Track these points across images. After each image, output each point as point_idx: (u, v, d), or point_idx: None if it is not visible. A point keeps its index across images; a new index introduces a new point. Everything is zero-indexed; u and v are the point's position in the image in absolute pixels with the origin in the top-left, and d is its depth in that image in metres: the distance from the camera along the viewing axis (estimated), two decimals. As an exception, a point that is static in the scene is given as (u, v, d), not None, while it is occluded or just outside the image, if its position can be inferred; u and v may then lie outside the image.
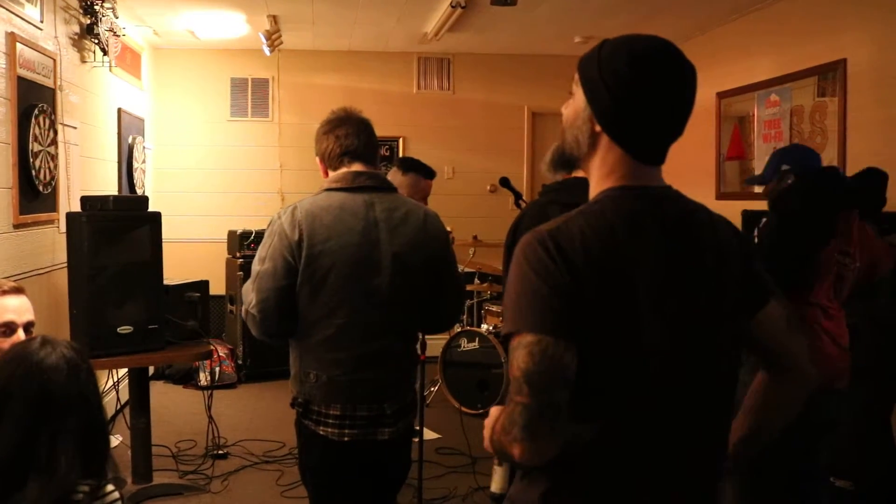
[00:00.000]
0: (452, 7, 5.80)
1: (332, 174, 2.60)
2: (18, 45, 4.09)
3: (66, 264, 4.16)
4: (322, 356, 2.47)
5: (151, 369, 5.73)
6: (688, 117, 1.48)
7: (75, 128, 5.11)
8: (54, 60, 4.66)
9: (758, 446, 1.66)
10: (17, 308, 2.49)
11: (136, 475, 4.38)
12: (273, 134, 7.89)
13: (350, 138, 2.57)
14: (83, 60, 5.33)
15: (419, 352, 3.44)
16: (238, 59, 7.76)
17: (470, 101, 8.12)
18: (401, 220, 2.54)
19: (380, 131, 2.73)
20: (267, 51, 6.81)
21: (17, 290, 2.53)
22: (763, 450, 2.61)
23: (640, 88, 1.42)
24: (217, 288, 6.67)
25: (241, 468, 4.86)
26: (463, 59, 8.09)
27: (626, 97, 1.42)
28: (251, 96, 7.86)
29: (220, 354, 6.76)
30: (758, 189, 3.35)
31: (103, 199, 4.20)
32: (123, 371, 5.14)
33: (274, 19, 6.45)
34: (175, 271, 5.12)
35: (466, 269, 6.35)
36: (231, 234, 7.27)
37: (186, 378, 6.86)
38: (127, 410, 4.60)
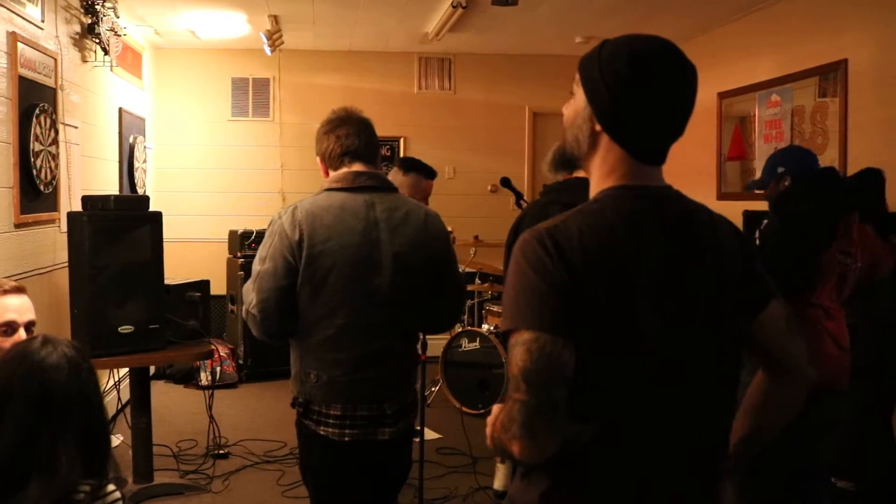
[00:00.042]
0: (453, 7, 5.80)
1: (332, 174, 2.60)
2: (19, 45, 4.09)
3: (67, 264, 4.16)
4: (322, 356, 2.47)
5: (152, 369, 5.73)
6: (688, 117, 1.48)
7: (76, 127, 5.11)
8: (55, 60, 4.66)
9: (758, 446, 1.66)
10: (18, 307, 2.50)
11: (137, 475, 4.38)
12: (274, 134, 7.89)
13: (351, 138, 2.57)
14: (84, 60, 5.33)
15: (420, 352, 3.44)
16: (239, 59, 7.76)
17: (471, 101, 8.12)
18: (401, 220, 2.53)
19: (381, 131, 2.73)
20: (268, 51, 6.81)
21: (19, 290, 2.54)
22: (764, 450, 2.61)
23: (641, 88, 1.42)
24: (218, 288, 6.68)
25: (241, 468, 4.86)
26: (464, 60, 8.09)
27: (626, 97, 1.43)
28: (252, 96, 7.86)
29: (221, 354, 6.77)
30: (759, 191, 3.35)
31: (104, 199, 4.20)
32: (124, 371, 5.14)
33: (275, 19, 6.45)
34: (176, 271, 5.13)
35: (467, 269, 6.35)
36: (232, 233, 7.27)
37: (187, 378, 6.86)
38: (128, 410, 4.60)
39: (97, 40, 5.30)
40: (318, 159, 2.66)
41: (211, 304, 5.53)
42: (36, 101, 4.31)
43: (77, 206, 4.46)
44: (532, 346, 1.33)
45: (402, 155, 7.83)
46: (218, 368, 6.69)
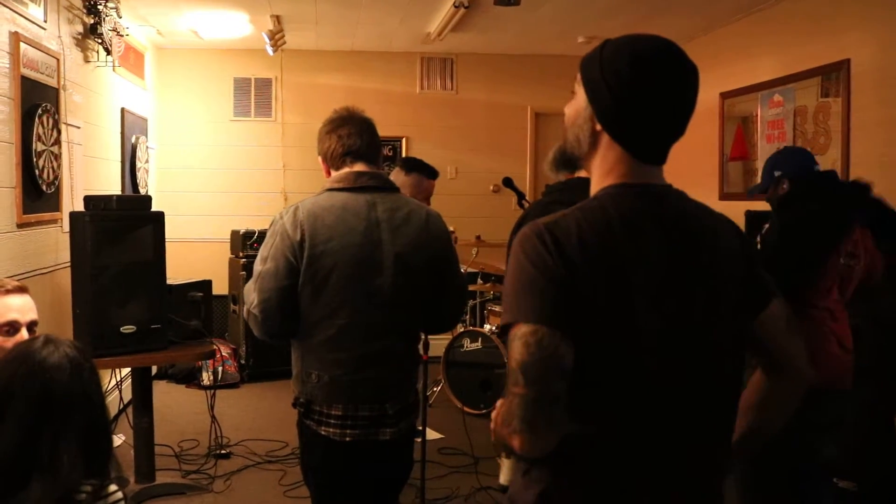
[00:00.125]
0: (456, 7, 5.80)
1: (334, 174, 2.60)
2: (22, 45, 4.09)
3: (69, 264, 4.16)
4: (324, 356, 2.47)
5: (154, 369, 5.74)
6: (689, 117, 1.48)
7: (79, 127, 5.12)
8: (58, 60, 4.67)
9: (756, 444, 1.66)
10: (20, 307, 2.50)
11: (139, 475, 4.38)
12: (276, 134, 7.89)
13: (352, 138, 2.57)
14: (87, 60, 5.34)
15: (422, 352, 3.44)
16: (241, 59, 7.77)
17: (473, 101, 8.12)
18: (403, 221, 2.53)
19: (383, 131, 2.73)
20: (270, 51, 6.82)
21: (21, 290, 2.54)
22: (767, 449, 2.62)
23: (642, 88, 1.42)
24: (220, 288, 6.68)
25: (243, 468, 4.87)
26: (466, 59, 8.08)
27: (627, 97, 1.43)
28: (254, 96, 7.86)
29: (223, 354, 6.77)
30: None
31: (106, 199, 4.21)
32: (126, 370, 5.14)
33: (277, 19, 6.46)
34: (178, 271, 5.13)
35: (469, 270, 6.35)
36: (234, 233, 7.28)
37: (189, 378, 6.87)
38: (130, 410, 4.60)
39: (99, 40, 5.31)
40: (319, 159, 2.66)
41: (213, 304, 5.53)
42: (38, 101, 4.32)
43: (79, 206, 4.46)
44: (530, 340, 1.32)
45: (404, 155, 7.83)
46: (220, 368, 6.69)
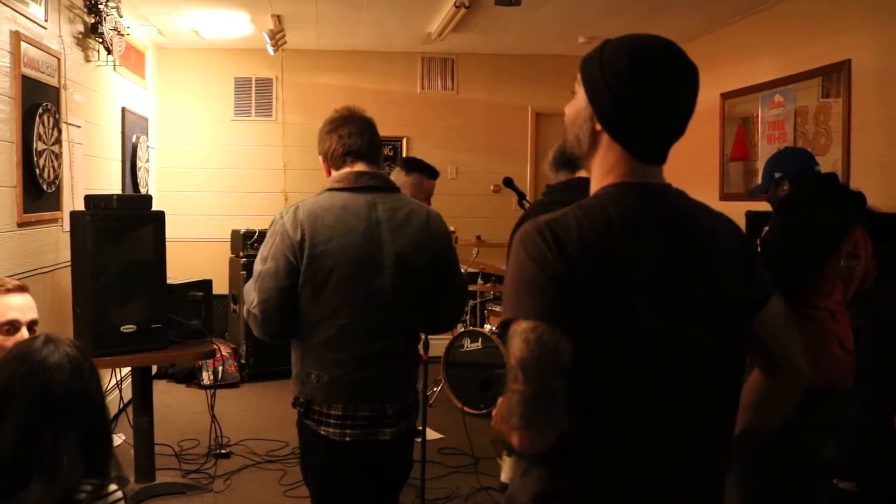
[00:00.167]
0: (456, 7, 5.80)
1: (334, 174, 2.60)
2: (23, 44, 4.09)
3: (69, 263, 4.16)
4: (323, 356, 2.47)
5: (154, 368, 5.74)
6: (689, 117, 1.48)
7: (79, 127, 5.12)
8: (58, 59, 4.67)
9: (754, 443, 1.66)
10: (20, 306, 2.50)
11: (139, 474, 4.38)
12: (276, 133, 7.89)
13: (353, 138, 2.57)
14: (87, 59, 5.34)
15: (422, 352, 3.43)
16: (242, 59, 7.77)
17: (474, 101, 8.12)
18: (403, 221, 2.53)
19: (383, 131, 2.73)
20: (271, 50, 6.82)
21: (21, 289, 2.54)
22: (767, 450, 2.62)
23: (641, 89, 1.42)
24: (220, 287, 6.67)
25: (243, 467, 4.87)
26: (467, 60, 8.08)
27: (626, 97, 1.43)
28: (255, 96, 7.86)
29: (223, 354, 6.77)
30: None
31: (107, 198, 4.21)
32: (127, 370, 5.15)
33: (278, 19, 6.46)
34: (178, 270, 5.13)
35: (469, 270, 6.35)
36: (234, 233, 7.28)
37: (189, 377, 6.87)
38: (130, 409, 4.60)
39: (100, 40, 5.31)
40: (320, 158, 2.66)
41: (213, 304, 5.52)
42: (39, 100, 4.32)
43: (80, 206, 4.46)
44: (530, 336, 1.32)
45: (404, 155, 7.83)
46: (220, 368, 6.69)
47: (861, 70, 4.85)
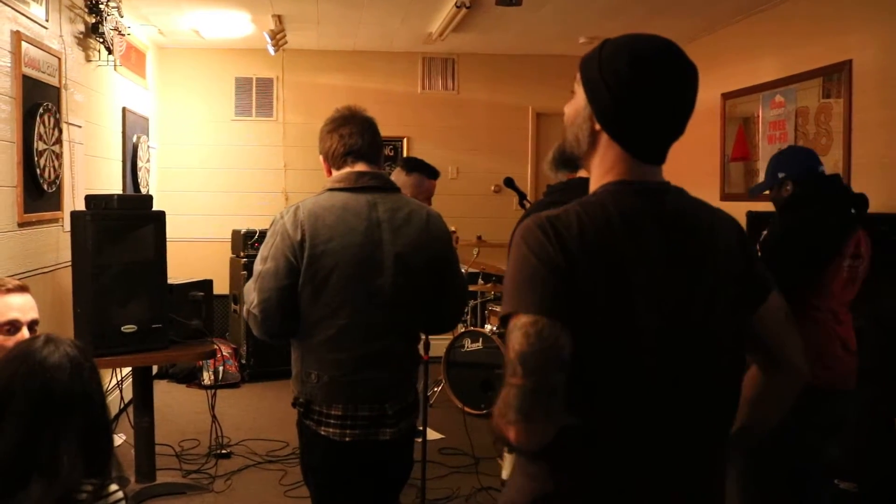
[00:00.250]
0: (457, 7, 5.80)
1: (335, 174, 2.60)
2: (24, 44, 4.09)
3: (70, 263, 4.16)
4: (323, 356, 2.47)
5: (155, 368, 5.73)
6: (688, 117, 1.48)
7: (80, 126, 5.12)
8: (59, 59, 4.67)
9: (751, 441, 1.66)
10: (21, 306, 2.50)
11: (140, 474, 4.38)
12: (277, 133, 7.90)
13: (354, 137, 2.57)
14: (88, 59, 5.34)
15: (423, 352, 3.43)
16: (242, 59, 7.77)
17: (474, 101, 8.12)
18: (404, 221, 2.53)
19: (384, 131, 2.73)
20: (271, 50, 6.82)
21: (22, 289, 2.54)
22: (769, 448, 2.61)
23: (641, 89, 1.42)
24: (221, 287, 6.68)
25: (244, 468, 4.87)
26: (467, 60, 8.08)
27: (626, 97, 1.43)
28: (255, 96, 7.87)
29: (224, 354, 6.77)
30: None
31: (108, 198, 4.21)
32: (127, 370, 5.15)
33: (279, 19, 6.46)
34: (179, 270, 5.13)
35: (470, 270, 6.35)
36: (235, 233, 7.28)
37: (190, 377, 6.87)
38: (130, 409, 4.60)
39: (101, 39, 5.31)
40: (321, 158, 2.66)
41: (214, 304, 5.53)
42: (40, 100, 4.32)
43: (80, 206, 4.47)
44: (530, 330, 1.32)
45: (405, 155, 7.83)
46: (220, 368, 6.69)
47: (862, 70, 4.85)
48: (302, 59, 7.82)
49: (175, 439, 5.16)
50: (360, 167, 2.57)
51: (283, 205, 7.39)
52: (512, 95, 8.11)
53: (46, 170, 4.42)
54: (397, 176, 3.87)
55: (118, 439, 4.93)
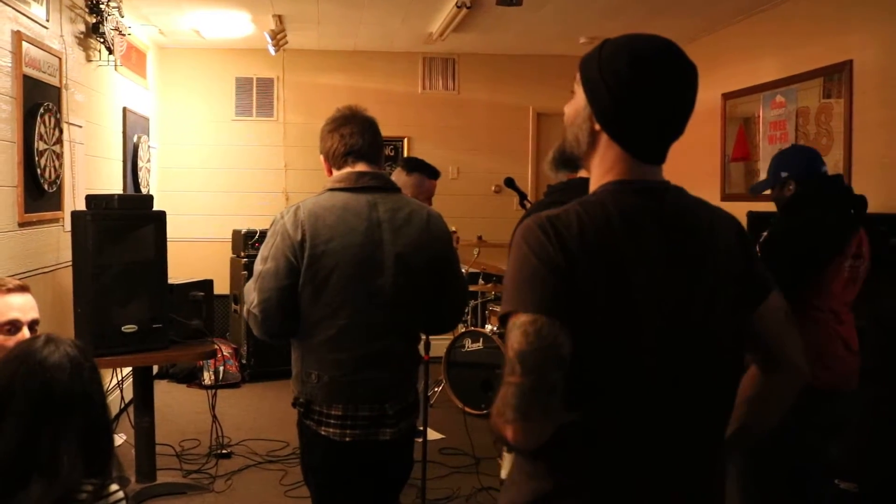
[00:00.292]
0: (458, 7, 5.80)
1: (335, 174, 2.59)
2: (24, 44, 4.10)
3: (70, 263, 4.16)
4: (324, 356, 2.47)
5: (155, 368, 5.73)
6: (688, 117, 1.48)
7: (80, 126, 5.12)
8: (60, 59, 4.67)
9: (750, 441, 1.65)
10: (21, 306, 2.50)
11: (140, 474, 4.38)
12: (278, 133, 7.90)
13: (354, 137, 2.57)
14: (89, 59, 5.34)
15: (423, 352, 3.43)
16: (243, 59, 7.77)
17: (475, 101, 8.12)
18: (404, 221, 2.53)
19: (384, 131, 2.72)
20: (272, 50, 6.82)
21: (22, 288, 2.54)
22: (770, 448, 2.61)
23: (641, 88, 1.42)
24: (221, 287, 6.68)
25: (244, 468, 4.87)
26: (468, 60, 8.08)
27: (625, 97, 1.43)
28: (256, 96, 7.87)
29: (224, 354, 6.77)
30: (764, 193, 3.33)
31: (108, 198, 4.21)
32: (128, 370, 5.15)
33: (279, 19, 6.46)
34: (179, 270, 5.13)
35: (471, 270, 6.34)
36: (235, 233, 7.28)
37: (190, 377, 6.87)
38: (131, 409, 4.60)
39: (102, 39, 5.31)
40: (321, 158, 2.66)
41: (214, 304, 5.53)
42: (40, 100, 4.32)
43: (81, 206, 4.47)
44: (529, 329, 1.32)
45: (405, 155, 7.83)
46: (221, 368, 6.69)
47: (862, 70, 4.85)
48: (302, 59, 7.82)
49: (175, 439, 5.16)
50: (361, 167, 2.56)
51: (284, 205, 7.39)
52: (512, 95, 8.11)
53: (47, 170, 4.42)
54: (398, 176, 3.87)
55: (118, 439, 4.93)
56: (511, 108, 8.12)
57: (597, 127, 1.48)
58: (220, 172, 7.82)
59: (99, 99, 5.61)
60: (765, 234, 3.11)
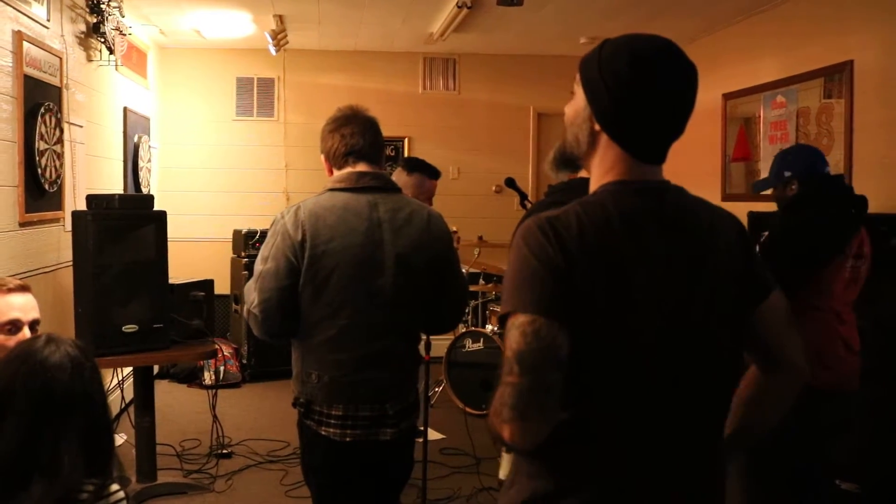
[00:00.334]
0: (458, 7, 5.80)
1: (336, 173, 2.59)
2: (25, 44, 4.10)
3: (71, 263, 4.16)
4: (324, 356, 2.46)
5: (156, 368, 5.73)
6: (688, 117, 1.48)
7: (81, 126, 5.12)
8: (61, 59, 4.67)
9: (749, 441, 1.65)
10: (22, 306, 2.50)
11: (141, 474, 4.38)
12: (278, 133, 7.90)
13: (355, 137, 2.57)
14: (89, 59, 5.34)
15: (424, 352, 3.43)
16: (244, 59, 7.77)
17: (475, 101, 8.12)
18: (404, 221, 2.53)
19: (385, 131, 2.72)
20: (273, 50, 6.82)
21: (23, 288, 2.54)
22: (771, 447, 2.60)
23: (640, 89, 1.42)
24: (222, 287, 6.69)
25: (245, 467, 4.87)
26: (468, 60, 8.08)
27: (625, 97, 1.43)
28: (257, 96, 7.87)
29: (225, 354, 6.77)
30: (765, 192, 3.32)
31: (109, 198, 4.21)
32: (128, 370, 5.15)
33: (280, 19, 6.46)
34: (180, 270, 5.13)
35: (471, 270, 6.34)
36: (236, 233, 7.28)
37: (191, 377, 6.87)
38: (132, 409, 4.60)
39: (102, 39, 5.31)
40: (322, 157, 2.66)
41: (215, 304, 5.53)
42: (41, 99, 4.32)
43: (82, 205, 4.47)
44: (527, 329, 1.32)
45: (406, 155, 7.83)
46: (221, 368, 6.69)
47: (863, 71, 4.85)
48: (303, 59, 7.82)
49: (176, 439, 5.16)
50: (362, 167, 2.56)
51: (285, 205, 7.39)
52: (513, 95, 8.11)
53: (48, 169, 4.42)
54: (398, 176, 3.87)
55: (119, 439, 4.93)
56: (512, 108, 8.12)
57: (596, 127, 1.48)
58: (220, 172, 7.82)
59: (100, 99, 5.61)
60: (765, 233, 3.11)
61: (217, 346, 4.65)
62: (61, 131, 4.65)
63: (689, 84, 1.46)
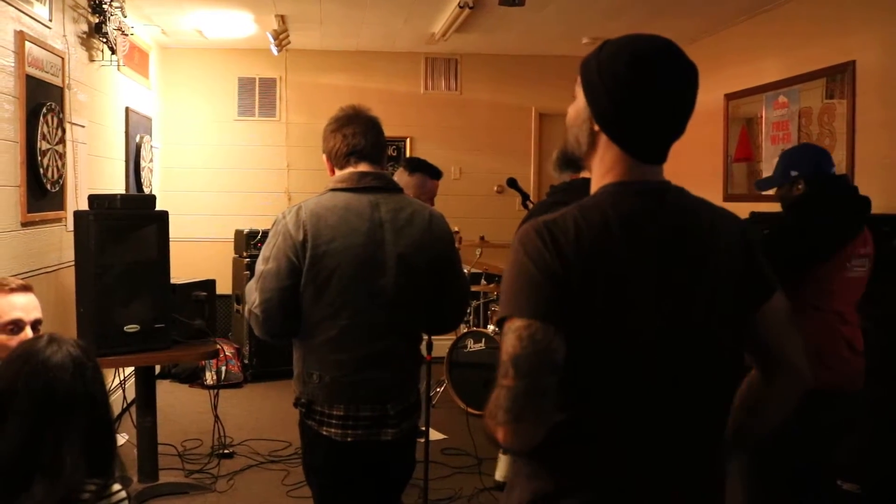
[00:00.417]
0: (460, 7, 5.80)
1: (337, 174, 2.59)
2: (27, 44, 4.10)
3: (73, 263, 4.17)
4: (325, 357, 2.47)
5: (158, 368, 5.74)
6: (689, 117, 1.47)
7: (83, 126, 5.13)
8: (63, 59, 4.67)
9: (752, 441, 1.65)
10: (24, 306, 2.50)
11: (142, 474, 4.39)
12: (280, 133, 7.90)
13: (357, 137, 2.57)
14: (91, 59, 5.34)
15: (425, 352, 3.42)
16: (245, 59, 7.77)
17: (477, 101, 8.11)
18: (406, 221, 2.53)
19: (387, 131, 2.72)
20: (274, 50, 6.82)
21: (25, 288, 2.54)
22: (773, 449, 2.61)
23: (640, 90, 1.42)
24: (223, 287, 6.69)
25: (246, 467, 4.87)
26: (470, 60, 8.08)
27: (624, 98, 1.43)
28: (258, 96, 7.87)
29: (227, 354, 6.77)
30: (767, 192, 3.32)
31: (111, 198, 4.21)
32: (130, 370, 5.15)
33: (282, 19, 6.46)
34: (182, 270, 5.14)
35: (473, 270, 6.34)
36: (238, 233, 7.29)
37: (193, 377, 6.87)
38: (133, 409, 4.61)
39: (104, 39, 5.31)
40: (324, 157, 2.66)
41: (216, 304, 5.53)
42: (43, 99, 4.32)
43: (84, 205, 4.46)
44: (523, 333, 1.33)
45: (407, 155, 7.83)
46: (223, 368, 6.70)
47: (865, 71, 4.84)
48: (305, 59, 7.82)
49: (178, 439, 5.16)
50: (363, 167, 2.56)
51: (286, 205, 7.38)
52: (515, 96, 8.11)
53: (50, 169, 4.42)
54: (400, 176, 3.87)
55: (121, 439, 4.93)
56: (513, 108, 8.12)
57: (596, 128, 1.49)
58: (222, 172, 7.82)
59: (101, 99, 5.62)
60: (766, 231, 3.10)
61: (219, 346, 4.64)
62: (63, 131, 4.65)
63: (689, 84, 1.46)
